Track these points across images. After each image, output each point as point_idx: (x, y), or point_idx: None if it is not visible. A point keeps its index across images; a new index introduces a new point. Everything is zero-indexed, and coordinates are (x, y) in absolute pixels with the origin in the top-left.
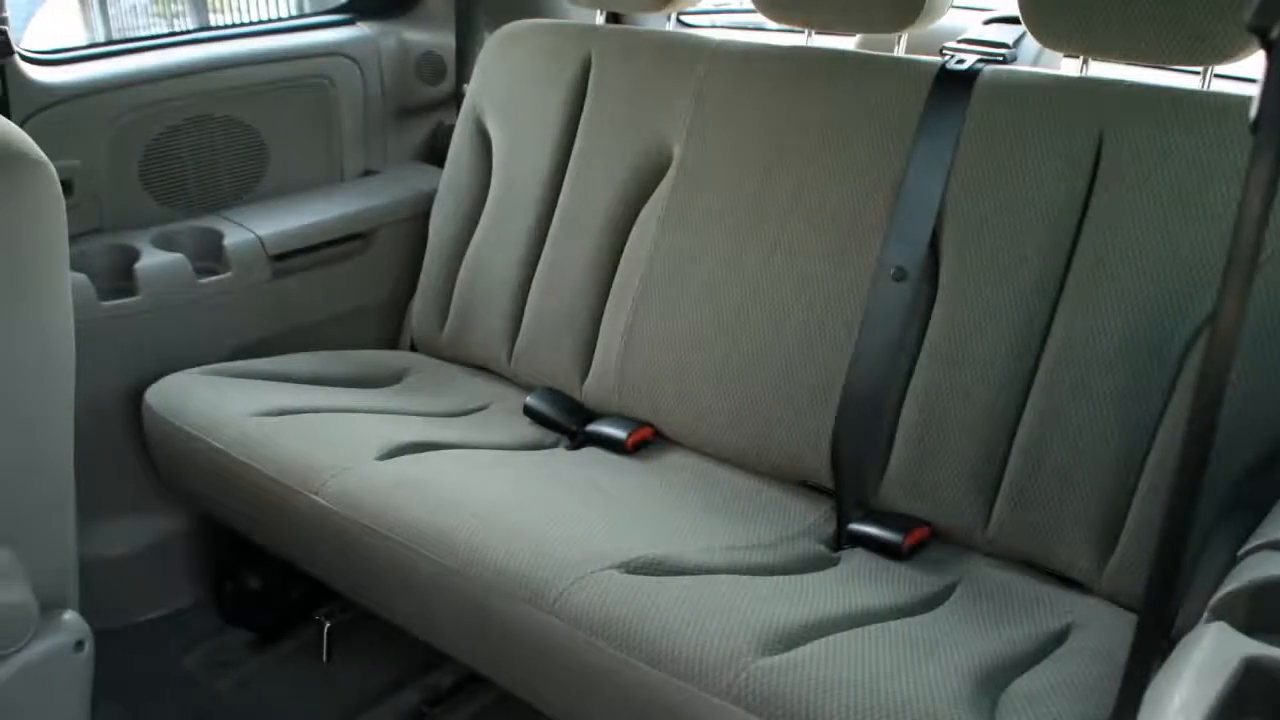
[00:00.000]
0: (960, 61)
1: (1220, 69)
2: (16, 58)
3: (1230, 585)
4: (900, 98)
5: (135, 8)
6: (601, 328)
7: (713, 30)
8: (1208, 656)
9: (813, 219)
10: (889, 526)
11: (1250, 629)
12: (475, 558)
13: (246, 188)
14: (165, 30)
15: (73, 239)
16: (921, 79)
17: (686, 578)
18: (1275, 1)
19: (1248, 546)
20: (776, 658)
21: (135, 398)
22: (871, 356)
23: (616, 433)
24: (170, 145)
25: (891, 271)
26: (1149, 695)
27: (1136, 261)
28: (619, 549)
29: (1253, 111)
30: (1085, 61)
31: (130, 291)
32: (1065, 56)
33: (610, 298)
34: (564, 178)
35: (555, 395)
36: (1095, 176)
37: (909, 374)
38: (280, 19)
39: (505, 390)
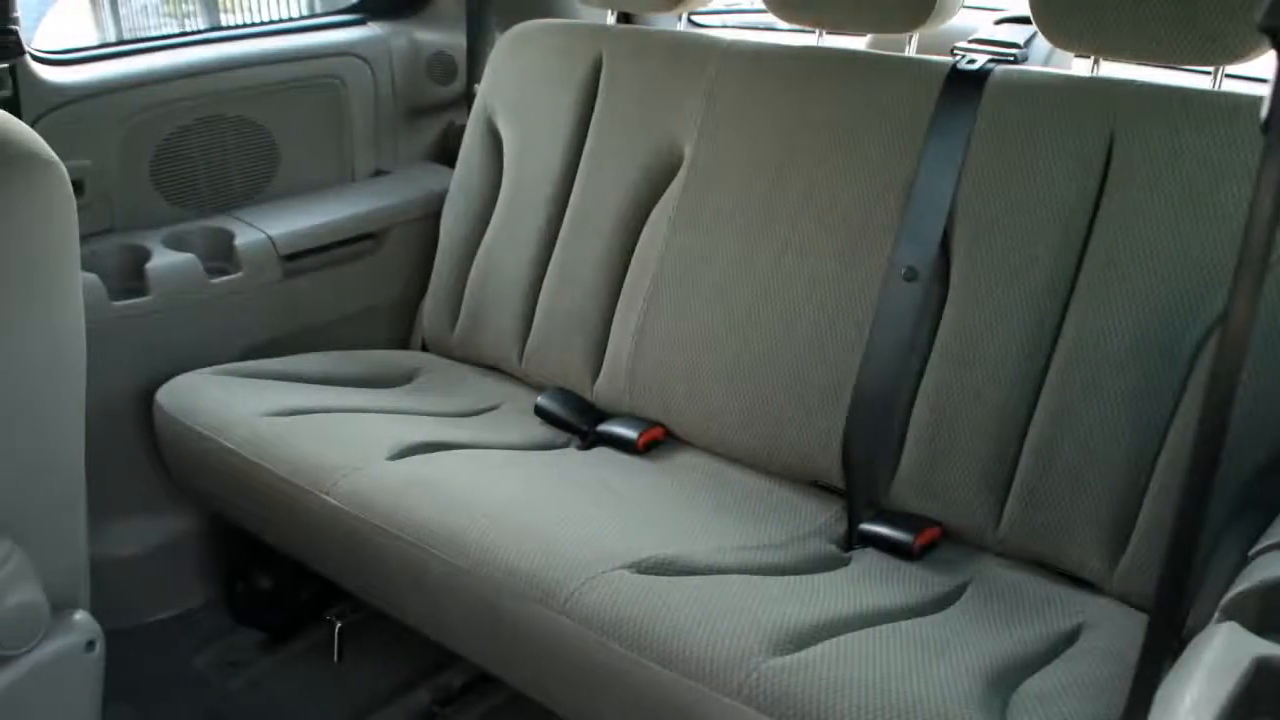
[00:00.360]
0: (971, 61)
1: (1231, 69)
2: (28, 58)
3: (1241, 585)
4: (911, 98)
5: (146, 8)
6: (612, 328)
7: (724, 30)
8: (1219, 656)
9: (824, 219)
10: (900, 526)
11: (1261, 629)
12: (486, 558)
13: (257, 188)
14: (176, 30)
15: (84, 239)
16: (932, 79)
17: (697, 578)
18: None
19: (1259, 546)
20: (787, 658)
21: (146, 398)
22: (882, 356)
23: (627, 433)
24: (181, 145)
25: (903, 271)
26: (1160, 695)
27: (1148, 261)
28: (630, 549)
29: (1264, 112)
30: (1096, 61)
31: (141, 291)
32: (1076, 56)
33: (621, 298)
34: (575, 178)
35: (566, 395)
36: (1106, 176)
37: (920, 374)
38: (291, 19)
39: (516, 390)
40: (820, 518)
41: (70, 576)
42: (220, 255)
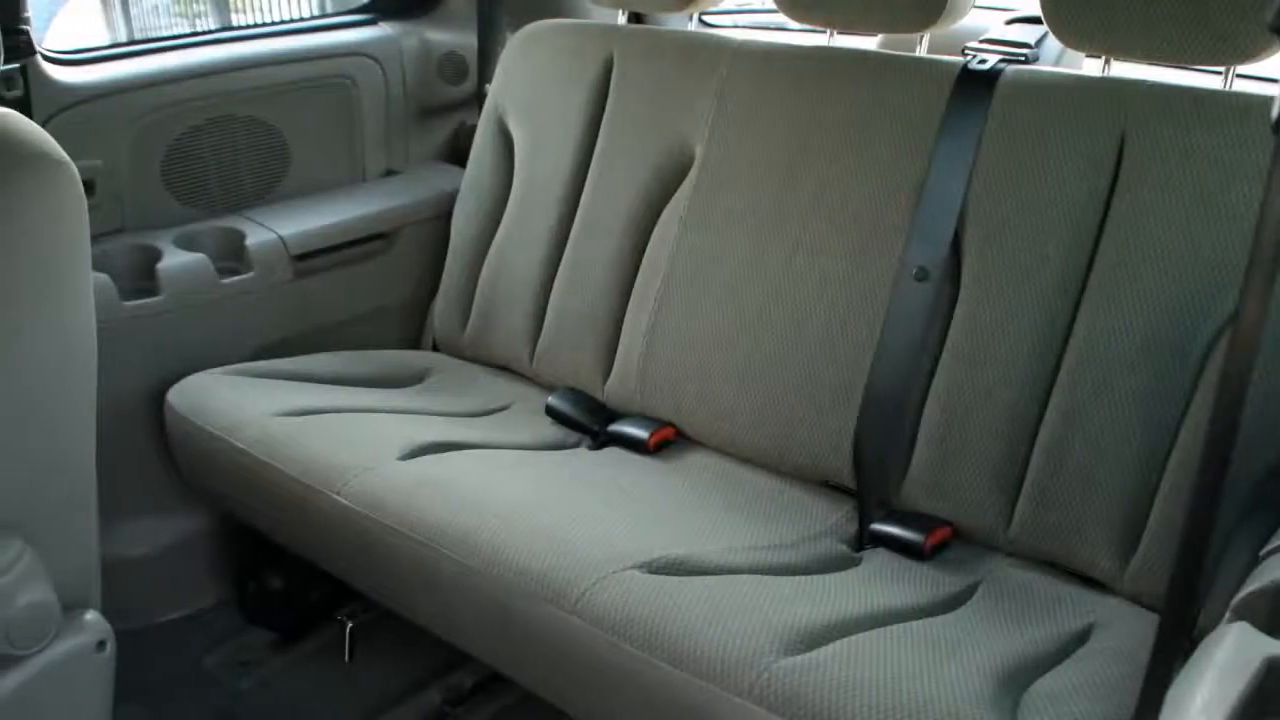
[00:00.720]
0: (982, 61)
1: (1242, 69)
2: (39, 58)
3: (1252, 585)
4: (922, 98)
5: (157, 8)
6: (623, 328)
7: (735, 30)
8: (1229, 657)
9: (835, 219)
10: (911, 526)
11: (1272, 629)
12: (497, 558)
13: (268, 188)
14: (187, 30)
15: (95, 239)
16: (943, 79)
17: (708, 578)
18: None
19: (1269, 547)
20: (798, 657)
21: (157, 398)
22: (893, 356)
23: (638, 433)
24: (192, 145)
25: (914, 271)
26: (1171, 695)
27: (1158, 261)
28: (641, 549)
29: (1274, 111)
30: (1107, 61)
31: (152, 291)
32: (1087, 56)
33: (632, 298)
34: (586, 178)
35: (577, 395)
36: (1117, 176)
37: (931, 374)
38: (302, 19)
39: (527, 390)
40: (831, 518)
41: (81, 576)
42: (231, 255)
